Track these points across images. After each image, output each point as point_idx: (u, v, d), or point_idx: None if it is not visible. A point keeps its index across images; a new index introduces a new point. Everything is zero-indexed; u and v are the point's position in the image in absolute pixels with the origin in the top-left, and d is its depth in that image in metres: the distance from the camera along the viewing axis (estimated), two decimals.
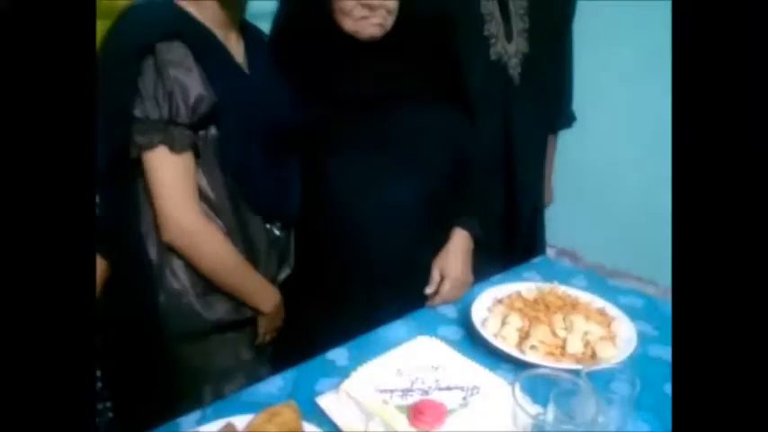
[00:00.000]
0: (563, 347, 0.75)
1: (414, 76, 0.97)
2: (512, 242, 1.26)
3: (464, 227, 1.02)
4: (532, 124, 1.23)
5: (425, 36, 0.97)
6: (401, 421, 0.58)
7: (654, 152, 1.51)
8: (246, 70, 0.90)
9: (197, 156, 0.82)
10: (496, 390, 0.64)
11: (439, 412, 0.57)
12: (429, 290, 0.97)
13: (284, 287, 0.97)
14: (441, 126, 0.97)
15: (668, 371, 0.73)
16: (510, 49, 1.16)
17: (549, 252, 1.63)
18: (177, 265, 0.84)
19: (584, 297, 0.87)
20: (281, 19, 0.98)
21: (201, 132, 0.81)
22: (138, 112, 0.76)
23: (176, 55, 0.77)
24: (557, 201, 1.51)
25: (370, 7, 0.86)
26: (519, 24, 1.16)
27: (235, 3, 0.86)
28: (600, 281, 1.04)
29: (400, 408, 0.60)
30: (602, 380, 0.60)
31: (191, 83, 0.77)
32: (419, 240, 0.98)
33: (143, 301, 0.84)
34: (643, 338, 0.79)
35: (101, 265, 0.86)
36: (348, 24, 0.89)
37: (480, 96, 1.10)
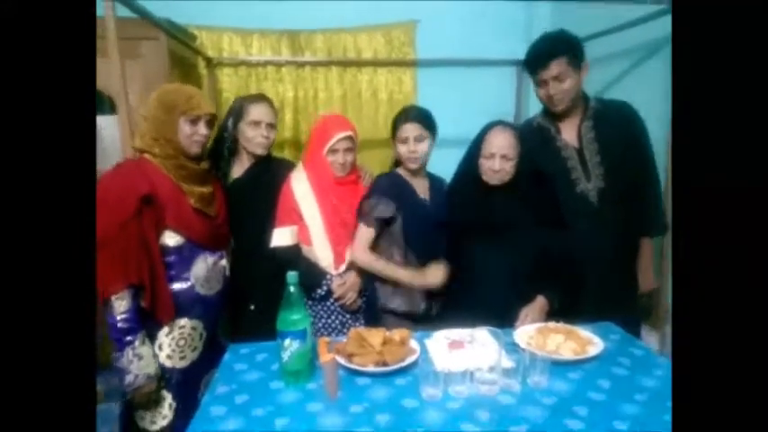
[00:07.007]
0: (543, 346, 1.48)
1: (525, 209, 1.83)
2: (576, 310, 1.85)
3: (544, 294, 1.79)
4: (610, 234, 1.89)
5: (532, 184, 1.85)
6: (445, 347, 1.46)
7: None
8: (426, 197, 1.99)
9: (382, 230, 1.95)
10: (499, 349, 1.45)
11: (460, 345, 1.43)
12: (517, 324, 1.74)
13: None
14: (534, 241, 1.79)
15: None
16: (589, 186, 1.89)
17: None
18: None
19: (582, 332, 1.55)
20: (456, 172, 1.98)
21: (392, 224, 1.93)
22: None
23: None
24: None
25: (494, 169, 1.80)
26: (595, 171, 1.89)
27: (420, 169, 1.97)
28: (629, 340, 1.63)
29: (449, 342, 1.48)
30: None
31: (385, 203, 1.90)
32: (512, 293, 1.79)
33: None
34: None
35: None
36: (485, 177, 1.84)
37: (571, 217, 1.86)
